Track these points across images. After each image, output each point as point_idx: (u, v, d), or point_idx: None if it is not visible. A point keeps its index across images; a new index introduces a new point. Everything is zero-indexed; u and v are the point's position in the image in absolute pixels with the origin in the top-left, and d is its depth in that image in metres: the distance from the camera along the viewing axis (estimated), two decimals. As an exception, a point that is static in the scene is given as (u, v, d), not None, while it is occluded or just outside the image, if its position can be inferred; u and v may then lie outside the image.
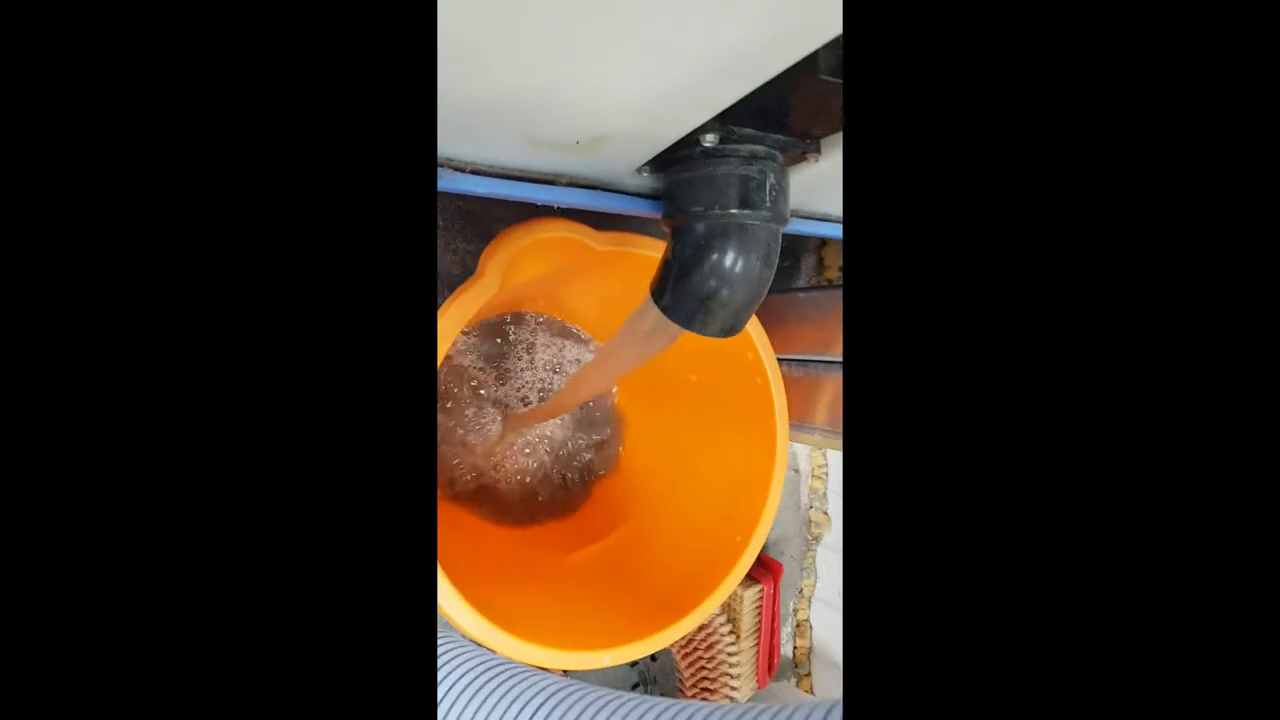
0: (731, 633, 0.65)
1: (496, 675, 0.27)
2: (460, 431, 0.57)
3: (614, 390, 0.65)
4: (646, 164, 0.32)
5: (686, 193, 0.30)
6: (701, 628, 0.66)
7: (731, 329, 0.32)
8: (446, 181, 0.30)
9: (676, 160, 0.30)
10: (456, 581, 0.40)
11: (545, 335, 0.60)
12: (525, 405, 0.59)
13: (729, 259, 0.30)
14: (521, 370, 0.59)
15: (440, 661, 0.27)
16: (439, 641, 0.28)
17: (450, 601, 0.40)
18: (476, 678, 0.27)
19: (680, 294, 0.31)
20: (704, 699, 0.65)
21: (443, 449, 0.56)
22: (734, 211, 0.29)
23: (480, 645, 0.41)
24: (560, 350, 0.61)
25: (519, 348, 0.59)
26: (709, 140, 0.28)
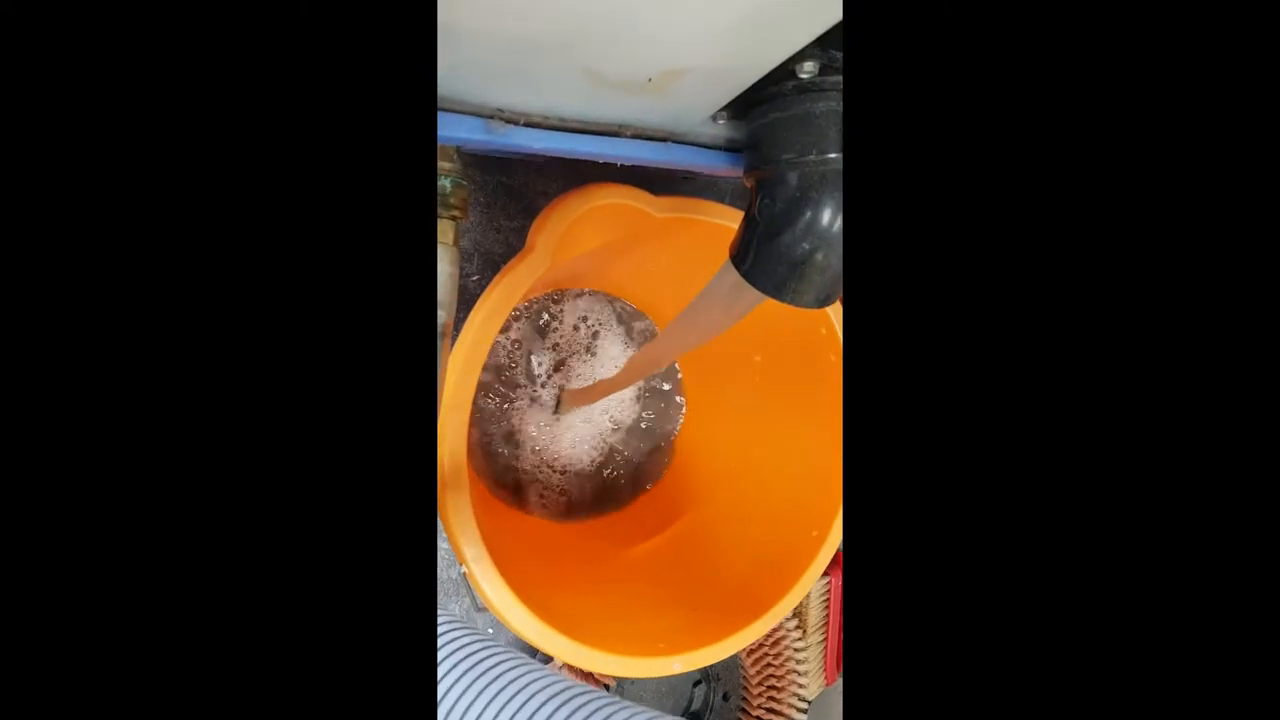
0: (798, 627, 0.62)
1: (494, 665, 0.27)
2: (506, 419, 0.54)
3: (675, 372, 0.61)
4: (724, 108, 0.28)
5: (776, 137, 0.26)
6: (766, 623, 0.62)
7: (828, 298, 0.27)
8: (499, 136, 0.26)
9: (763, 99, 0.26)
10: (512, 582, 0.37)
11: (598, 313, 0.56)
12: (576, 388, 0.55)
13: (827, 215, 0.25)
14: (573, 351, 0.56)
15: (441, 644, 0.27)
16: (442, 625, 0.27)
17: (506, 604, 0.37)
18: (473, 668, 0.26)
19: (766, 257, 0.27)
20: (770, 696, 0.62)
21: (490, 437, 0.53)
22: (833, 156, 0.25)
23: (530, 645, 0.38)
24: (614, 329, 0.57)
25: (570, 327, 0.55)
26: (807, 70, 0.23)
